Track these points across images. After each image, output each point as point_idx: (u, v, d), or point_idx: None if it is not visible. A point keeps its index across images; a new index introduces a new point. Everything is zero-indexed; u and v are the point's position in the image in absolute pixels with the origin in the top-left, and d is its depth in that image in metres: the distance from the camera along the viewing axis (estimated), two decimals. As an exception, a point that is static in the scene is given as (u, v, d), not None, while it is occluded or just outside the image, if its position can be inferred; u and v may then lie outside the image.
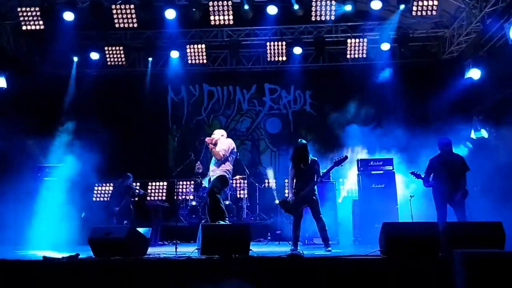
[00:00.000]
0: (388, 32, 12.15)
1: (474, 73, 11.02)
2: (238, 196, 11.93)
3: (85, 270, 5.35)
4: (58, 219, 9.75)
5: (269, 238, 10.37)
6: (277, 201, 10.72)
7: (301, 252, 6.25)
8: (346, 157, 7.64)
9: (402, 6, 10.79)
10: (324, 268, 5.15)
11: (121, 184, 10.62)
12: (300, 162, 7.39)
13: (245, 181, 12.12)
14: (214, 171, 7.29)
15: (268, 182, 12.59)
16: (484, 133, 10.90)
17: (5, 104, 11.09)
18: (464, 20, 11.30)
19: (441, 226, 5.56)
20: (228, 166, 7.34)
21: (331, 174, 10.48)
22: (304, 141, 7.57)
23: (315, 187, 7.35)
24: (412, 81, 12.28)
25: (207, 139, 7.42)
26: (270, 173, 10.54)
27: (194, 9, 10.94)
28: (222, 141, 7.44)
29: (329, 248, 7.08)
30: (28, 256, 6.57)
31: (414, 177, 7.93)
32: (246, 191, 12.05)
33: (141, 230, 6.29)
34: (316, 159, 7.55)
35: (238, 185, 12.04)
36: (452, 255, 4.61)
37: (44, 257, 5.69)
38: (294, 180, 7.45)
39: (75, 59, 12.89)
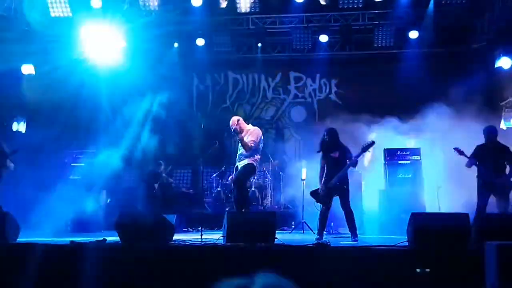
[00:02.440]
0: (417, 20, 11.94)
1: (505, 62, 10.74)
2: (263, 184, 11.92)
3: (112, 255, 5.41)
4: (85, 204, 9.92)
5: (293, 226, 10.34)
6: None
7: (327, 241, 6.20)
8: (373, 142, 7.50)
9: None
10: (351, 258, 5.11)
11: (152, 171, 10.71)
12: (330, 150, 7.30)
13: (269, 170, 12.11)
14: (241, 160, 7.20)
15: (298, 172, 12.53)
16: (514, 123, 10.65)
17: (34, 90, 11.24)
18: (495, 9, 10.99)
19: (473, 217, 5.45)
20: (256, 155, 7.23)
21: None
22: (333, 128, 7.49)
23: (347, 176, 7.29)
24: (441, 69, 12.02)
25: (233, 127, 7.26)
26: (304, 165, 10.40)
27: None
28: (251, 132, 7.28)
29: (356, 238, 7.01)
30: (55, 240, 6.66)
31: (457, 153, 7.71)
32: (270, 179, 12.03)
33: (167, 216, 6.32)
34: (346, 146, 7.46)
35: (262, 173, 12.01)
36: (483, 247, 4.51)
37: (72, 242, 5.76)
38: (325, 170, 7.36)
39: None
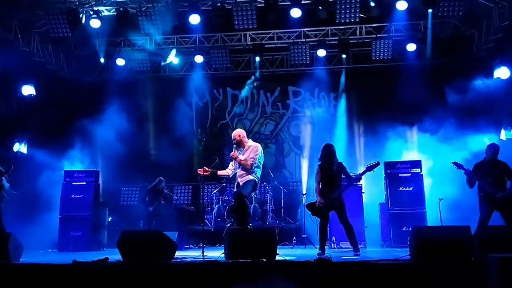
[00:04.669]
0: (414, 32, 12.05)
1: (503, 72, 10.78)
2: (263, 199, 11.90)
3: (114, 274, 5.39)
4: (85, 222, 9.93)
5: (295, 241, 10.32)
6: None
7: (329, 256, 6.19)
8: (378, 163, 7.58)
9: (430, 10, 10.74)
10: (353, 273, 5.07)
11: (154, 187, 10.68)
12: (327, 165, 7.34)
13: (270, 185, 12.09)
14: (243, 176, 7.13)
15: (298, 186, 12.54)
16: (514, 134, 10.66)
17: (34, 111, 11.30)
18: (492, 20, 11.05)
19: (475, 230, 5.43)
20: (257, 171, 7.17)
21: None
22: (330, 144, 7.53)
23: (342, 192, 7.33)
24: (439, 81, 12.05)
25: (232, 154, 7.21)
26: (304, 179, 10.48)
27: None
28: (252, 148, 7.23)
29: (358, 253, 7.00)
30: (58, 260, 6.65)
31: (456, 167, 7.68)
32: (270, 194, 12.00)
33: (168, 234, 6.31)
34: (341, 162, 7.50)
35: (263, 188, 12.00)
36: (486, 260, 4.49)
37: (74, 261, 5.75)
38: (321, 184, 7.40)
39: (102, 60, 12.88)
